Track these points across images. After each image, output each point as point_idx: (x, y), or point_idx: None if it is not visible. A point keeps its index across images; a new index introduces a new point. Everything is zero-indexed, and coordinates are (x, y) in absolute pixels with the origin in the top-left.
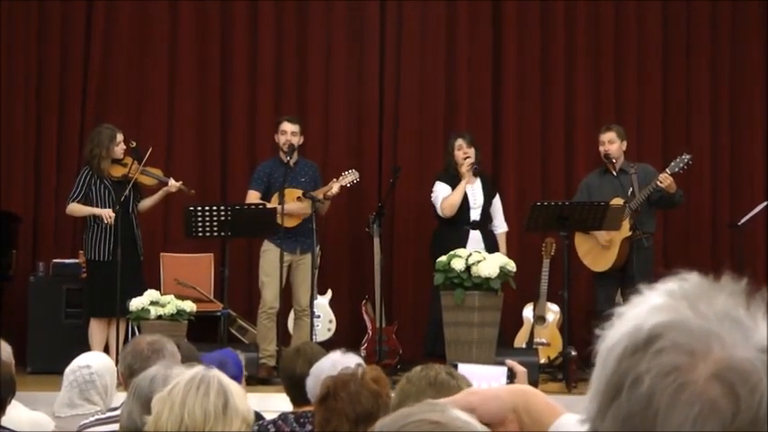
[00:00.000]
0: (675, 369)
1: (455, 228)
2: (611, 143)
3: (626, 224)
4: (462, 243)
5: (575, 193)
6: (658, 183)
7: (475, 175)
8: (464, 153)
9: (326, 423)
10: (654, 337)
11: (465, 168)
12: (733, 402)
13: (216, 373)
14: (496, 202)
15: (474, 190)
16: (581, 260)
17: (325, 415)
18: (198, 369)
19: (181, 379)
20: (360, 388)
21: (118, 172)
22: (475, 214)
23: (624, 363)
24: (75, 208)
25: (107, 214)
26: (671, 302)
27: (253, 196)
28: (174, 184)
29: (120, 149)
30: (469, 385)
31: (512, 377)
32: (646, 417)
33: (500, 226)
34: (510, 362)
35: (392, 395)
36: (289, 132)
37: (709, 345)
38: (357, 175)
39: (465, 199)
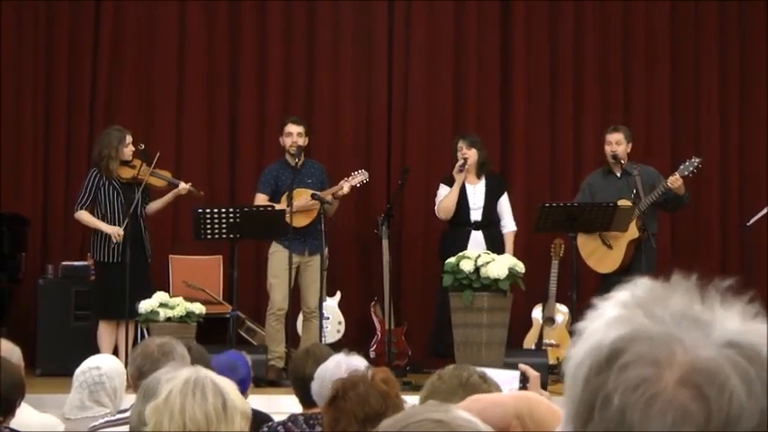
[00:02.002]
0: (643, 382)
1: (457, 229)
2: (619, 144)
3: (633, 226)
4: (464, 244)
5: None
6: (668, 185)
7: (459, 172)
8: (462, 155)
9: (335, 423)
10: (616, 352)
11: (455, 171)
12: (703, 405)
13: (207, 374)
14: (503, 202)
15: (475, 190)
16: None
17: (335, 415)
18: (189, 372)
19: (173, 385)
20: (369, 389)
21: (127, 174)
22: (475, 215)
23: (591, 383)
24: (85, 217)
25: (115, 233)
26: (626, 313)
27: (261, 199)
28: (184, 186)
29: (128, 151)
30: (500, 390)
31: (524, 381)
32: None
33: (507, 226)
34: (523, 366)
35: (422, 390)
36: (295, 134)
37: (672, 350)
38: (367, 175)
39: (465, 200)
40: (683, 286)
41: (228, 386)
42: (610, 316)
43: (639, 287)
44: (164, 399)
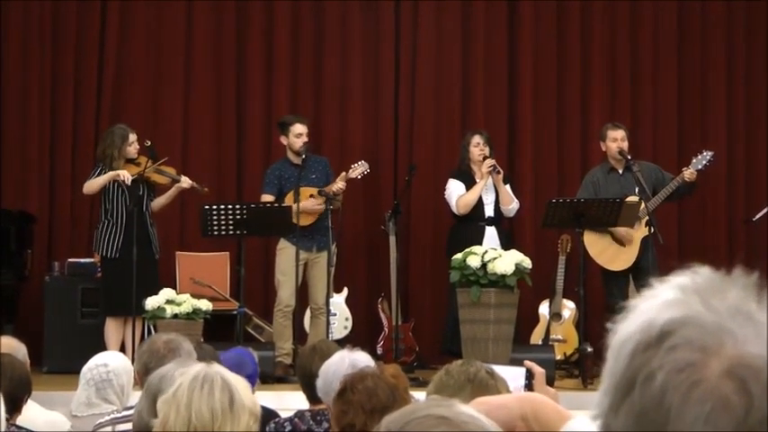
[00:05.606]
0: (688, 366)
1: (470, 224)
2: (624, 140)
3: (643, 223)
4: (478, 239)
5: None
6: (685, 178)
7: (499, 173)
8: (480, 150)
9: (343, 415)
10: (667, 333)
11: (485, 169)
12: (745, 400)
13: (218, 370)
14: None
15: (486, 186)
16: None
17: (342, 407)
18: (200, 367)
19: (184, 379)
20: (377, 381)
21: (132, 171)
22: (489, 210)
23: (637, 358)
24: (91, 184)
25: (124, 174)
26: (683, 297)
27: (267, 200)
28: (185, 180)
29: (133, 149)
30: (507, 388)
31: (530, 378)
32: (659, 413)
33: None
34: (528, 363)
35: (429, 385)
36: (304, 133)
37: (722, 341)
38: (367, 166)
39: (479, 196)
40: (741, 282)
41: (240, 384)
42: (666, 297)
43: (700, 275)
44: (172, 392)
